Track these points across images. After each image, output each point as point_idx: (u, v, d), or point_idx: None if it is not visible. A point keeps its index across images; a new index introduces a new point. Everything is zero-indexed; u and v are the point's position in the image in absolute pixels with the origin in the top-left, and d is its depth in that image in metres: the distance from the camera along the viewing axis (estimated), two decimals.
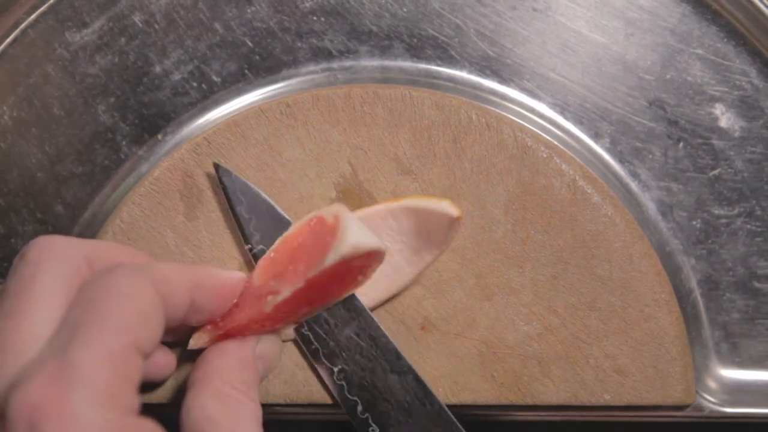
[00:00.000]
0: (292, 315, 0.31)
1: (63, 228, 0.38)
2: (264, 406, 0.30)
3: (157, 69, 0.38)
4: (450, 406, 0.35)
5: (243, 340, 0.31)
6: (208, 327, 0.31)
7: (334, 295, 0.32)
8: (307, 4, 0.38)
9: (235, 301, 0.31)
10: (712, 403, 0.37)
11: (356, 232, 0.29)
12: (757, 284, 0.38)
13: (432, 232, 0.33)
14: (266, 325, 0.31)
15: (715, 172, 0.38)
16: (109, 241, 0.33)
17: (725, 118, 0.38)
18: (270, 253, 0.32)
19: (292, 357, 0.34)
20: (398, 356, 0.33)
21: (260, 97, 0.38)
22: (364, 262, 0.31)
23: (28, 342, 0.23)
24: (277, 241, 0.33)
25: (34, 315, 0.24)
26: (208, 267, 0.29)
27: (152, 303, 0.25)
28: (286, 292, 0.29)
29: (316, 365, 0.34)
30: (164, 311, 0.26)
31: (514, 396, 0.35)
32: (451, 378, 0.35)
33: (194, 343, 0.31)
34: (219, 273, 0.30)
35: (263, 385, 0.34)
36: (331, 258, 0.29)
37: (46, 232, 0.38)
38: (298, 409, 0.35)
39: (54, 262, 0.25)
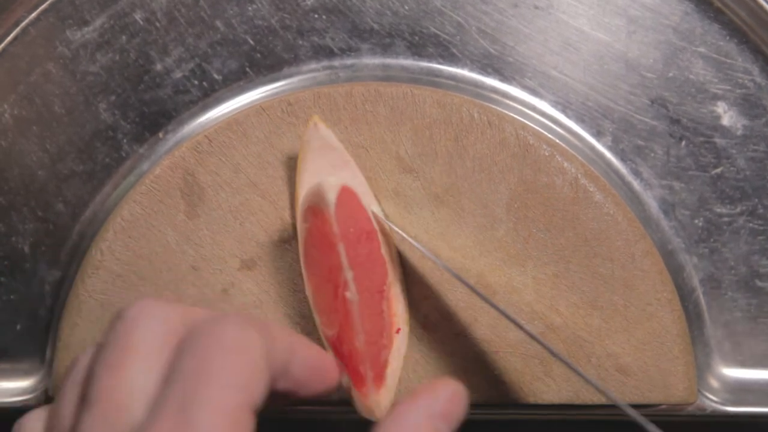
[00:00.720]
0: (374, 302, 0.32)
1: (64, 226, 0.38)
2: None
3: (158, 67, 0.38)
4: None
5: (415, 402, 0.28)
6: (350, 378, 0.32)
7: (377, 266, 0.33)
8: (309, 2, 0.38)
9: (328, 385, 0.29)
10: (715, 402, 0.37)
11: (318, 181, 0.32)
12: (759, 283, 0.38)
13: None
14: (375, 337, 0.32)
15: (718, 170, 0.38)
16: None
17: (728, 116, 0.38)
18: (307, 292, 0.34)
19: None
20: None
21: (261, 95, 0.38)
22: (354, 210, 0.33)
23: (136, 394, 0.23)
24: (309, 289, 0.34)
25: (137, 365, 0.23)
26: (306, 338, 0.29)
27: (262, 357, 0.24)
28: (348, 271, 0.31)
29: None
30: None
31: (516, 395, 0.35)
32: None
33: (379, 407, 0.32)
34: (318, 347, 0.29)
35: None
36: (329, 202, 0.31)
37: (47, 230, 0.38)
38: (304, 408, 0.35)
39: (152, 319, 0.25)
